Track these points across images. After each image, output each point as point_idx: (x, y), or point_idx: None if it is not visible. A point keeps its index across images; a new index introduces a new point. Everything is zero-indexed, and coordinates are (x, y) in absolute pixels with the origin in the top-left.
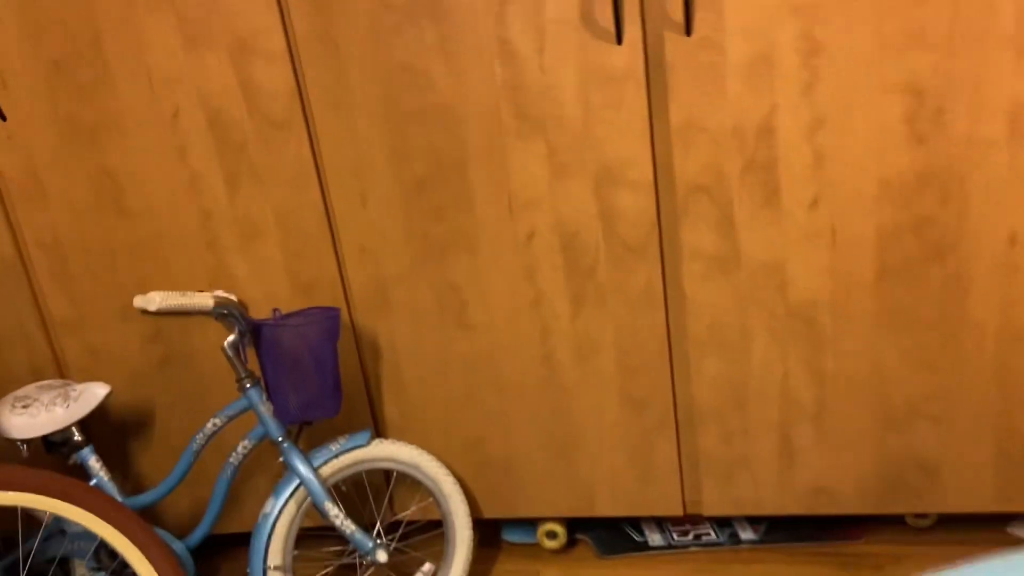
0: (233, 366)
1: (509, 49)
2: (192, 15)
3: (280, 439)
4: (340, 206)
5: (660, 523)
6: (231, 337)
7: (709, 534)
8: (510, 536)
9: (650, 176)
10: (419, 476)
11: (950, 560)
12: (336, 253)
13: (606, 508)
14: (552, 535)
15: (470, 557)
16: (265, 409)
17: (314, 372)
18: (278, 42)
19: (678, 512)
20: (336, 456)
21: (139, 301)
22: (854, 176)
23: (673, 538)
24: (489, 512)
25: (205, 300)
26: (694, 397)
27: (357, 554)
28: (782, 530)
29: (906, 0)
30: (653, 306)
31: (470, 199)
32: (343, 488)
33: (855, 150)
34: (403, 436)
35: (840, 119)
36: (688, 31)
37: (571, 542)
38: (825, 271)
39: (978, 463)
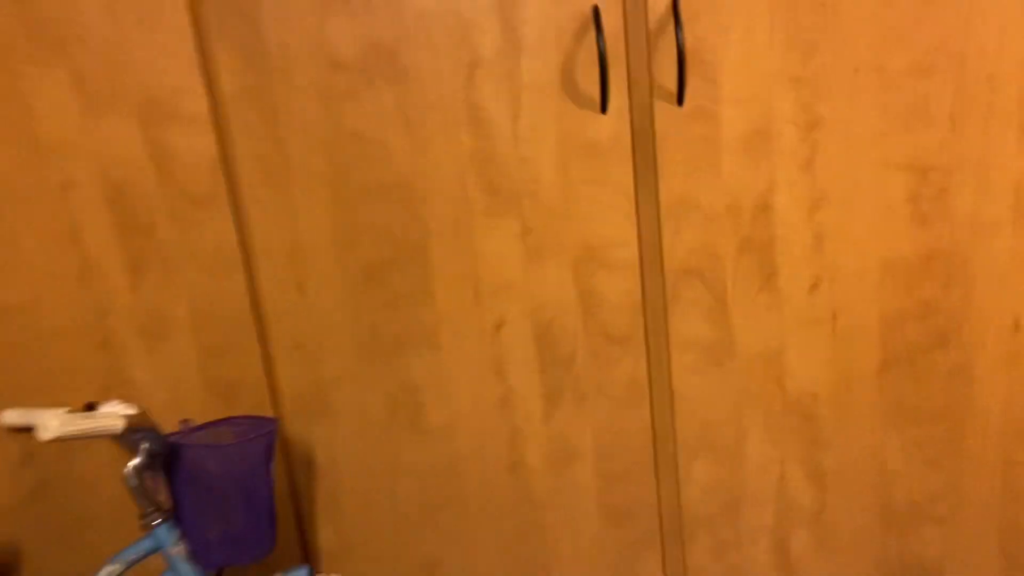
0: (136, 497)
1: (479, 116)
2: (93, 71)
3: None
4: (272, 296)
5: None
6: (136, 460)
7: None
8: None
9: (636, 257)
10: None
11: None
12: (264, 351)
13: None
14: None
15: None
16: (178, 551)
17: (244, 502)
18: (200, 103)
19: None
20: None
21: (11, 420)
22: (856, 258)
23: None
24: None
25: (114, 421)
26: (683, 505)
27: None
28: None
29: (909, 74)
30: (638, 403)
31: (430, 286)
32: None
33: (857, 230)
34: (342, 567)
35: (841, 197)
36: (680, 101)
37: None
38: (826, 361)
39: (982, 566)
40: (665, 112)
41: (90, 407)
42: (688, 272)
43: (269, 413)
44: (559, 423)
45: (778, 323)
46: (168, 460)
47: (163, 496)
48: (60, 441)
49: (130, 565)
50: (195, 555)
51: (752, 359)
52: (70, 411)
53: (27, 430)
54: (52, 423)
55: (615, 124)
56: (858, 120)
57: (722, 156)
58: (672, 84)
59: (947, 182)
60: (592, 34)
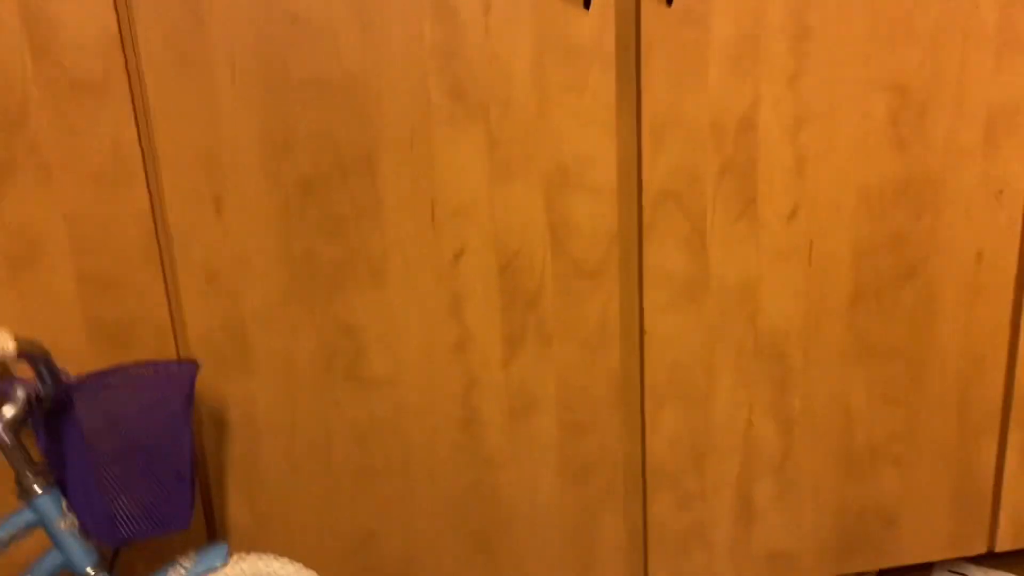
0: (10, 458)
1: (445, 3)
2: None
3: (90, 571)
4: (180, 213)
5: None
6: (11, 409)
7: None
8: None
9: (614, 179)
10: None
11: None
12: (167, 282)
13: None
14: None
15: None
16: (66, 525)
17: (161, 461)
18: None
19: None
20: None
21: None
22: (835, 182)
23: None
24: None
25: (2, 341)
26: (648, 456)
27: None
28: None
29: None
30: (607, 345)
31: (379, 206)
32: None
33: (838, 152)
34: (256, 544)
35: (825, 116)
36: (669, 0)
37: None
38: (798, 295)
39: (935, 507)
40: (653, 12)
41: None
42: (667, 196)
43: (172, 359)
44: (520, 369)
45: (755, 254)
46: (59, 410)
47: (42, 456)
48: None
49: (3, 545)
50: (91, 530)
51: (727, 294)
52: None
53: None
54: None
55: (599, 23)
56: (846, 34)
57: (709, 66)
58: None
59: (926, 103)
60: None
